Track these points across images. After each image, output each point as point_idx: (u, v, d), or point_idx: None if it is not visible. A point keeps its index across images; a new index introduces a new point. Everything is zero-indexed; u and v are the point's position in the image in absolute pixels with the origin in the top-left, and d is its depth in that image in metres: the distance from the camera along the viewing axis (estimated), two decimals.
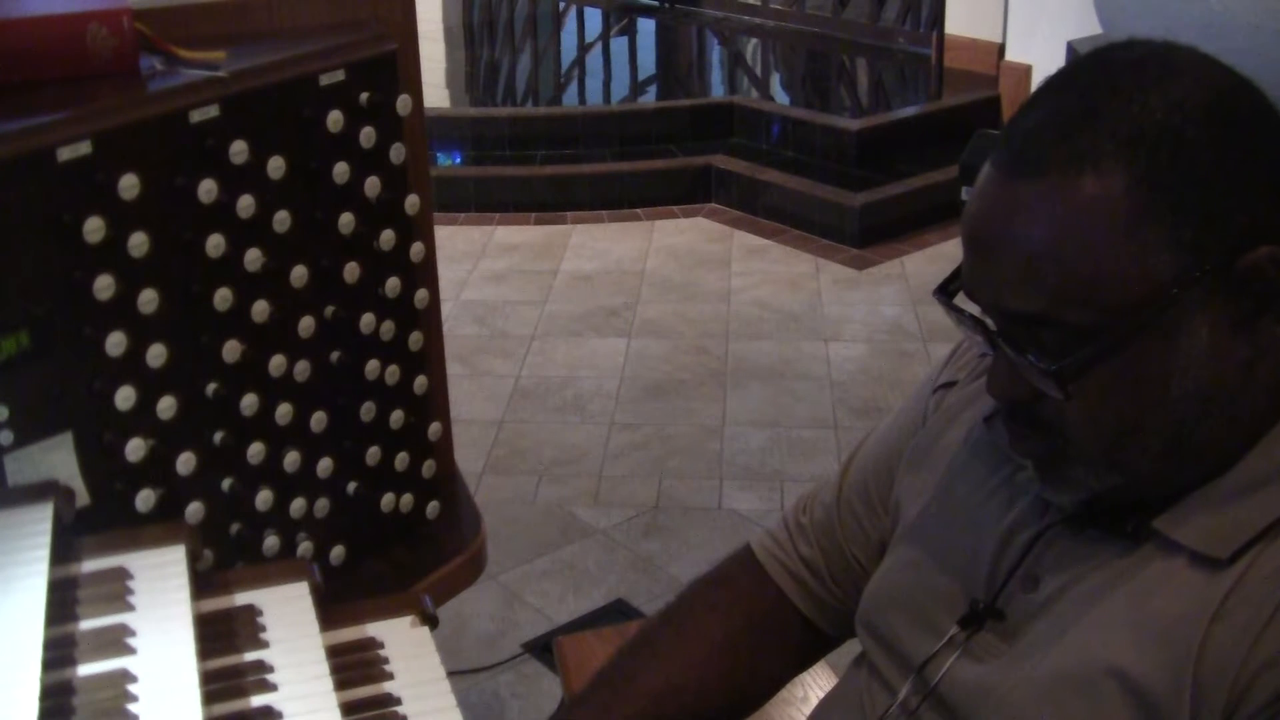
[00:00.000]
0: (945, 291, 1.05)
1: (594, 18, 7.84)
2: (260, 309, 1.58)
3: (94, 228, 1.39)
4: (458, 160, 5.70)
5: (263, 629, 1.30)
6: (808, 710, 1.60)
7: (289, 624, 1.31)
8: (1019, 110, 1.00)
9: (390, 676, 1.32)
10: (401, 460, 1.82)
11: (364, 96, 1.65)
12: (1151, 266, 0.92)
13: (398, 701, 1.28)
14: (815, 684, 1.68)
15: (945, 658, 1.10)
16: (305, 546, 1.70)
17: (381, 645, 1.37)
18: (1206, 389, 0.96)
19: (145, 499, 1.49)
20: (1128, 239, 0.92)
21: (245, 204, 1.53)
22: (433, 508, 1.89)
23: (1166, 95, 0.93)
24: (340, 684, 1.24)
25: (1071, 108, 0.95)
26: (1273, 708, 0.91)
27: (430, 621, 1.41)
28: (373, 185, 1.68)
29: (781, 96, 6.38)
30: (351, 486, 1.75)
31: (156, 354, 1.47)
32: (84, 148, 1.38)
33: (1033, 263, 0.94)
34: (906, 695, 1.13)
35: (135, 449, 1.47)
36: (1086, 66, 0.99)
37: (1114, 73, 0.97)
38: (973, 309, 1.02)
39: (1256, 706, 0.91)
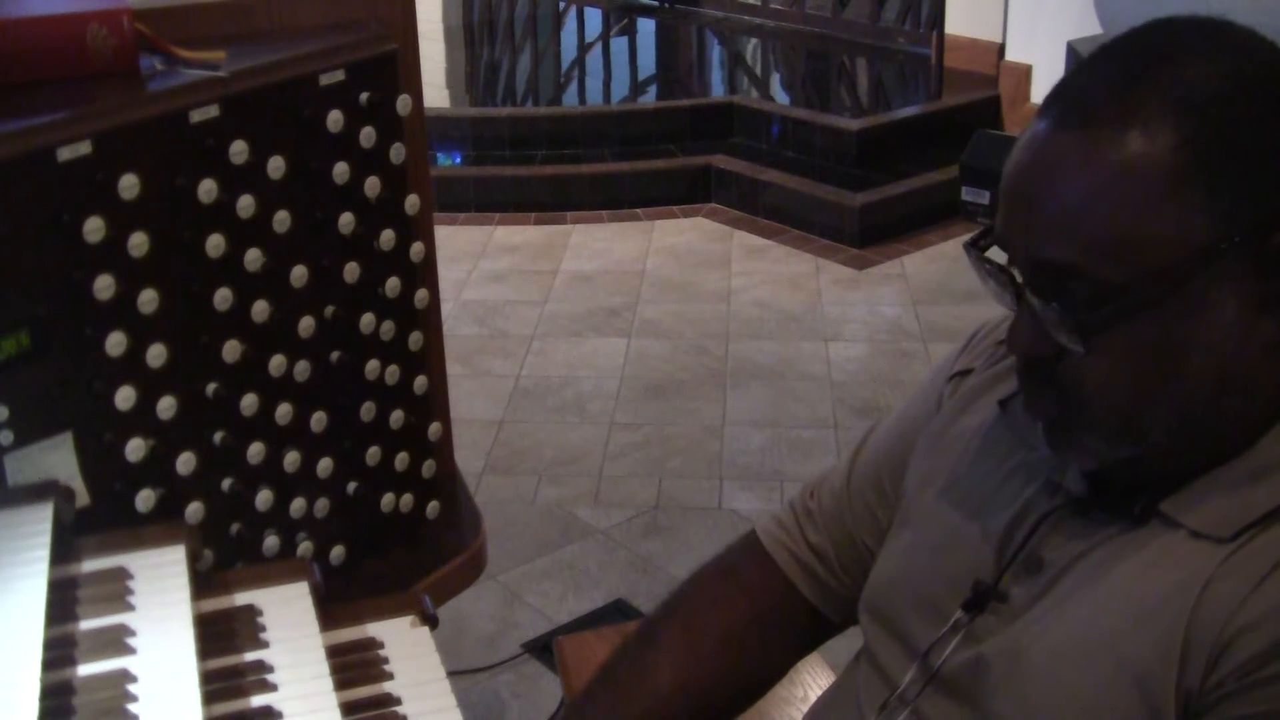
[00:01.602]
0: (975, 245, 1.05)
1: (594, 18, 7.84)
2: (260, 309, 1.58)
3: (94, 228, 1.39)
4: (458, 160, 5.70)
5: (263, 629, 1.30)
6: (807, 709, 1.60)
7: (289, 624, 1.31)
8: (1071, 70, 1.01)
9: (390, 676, 1.32)
10: (401, 460, 1.82)
11: (364, 96, 1.65)
12: (1187, 230, 0.93)
13: (398, 701, 1.28)
14: (815, 683, 1.68)
15: (949, 642, 1.10)
16: (305, 546, 1.70)
17: (381, 645, 1.37)
18: (1227, 365, 0.96)
19: (145, 499, 1.49)
20: (1167, 199, 0.93)
21: (245, 204, 1.53)
22: (433, 508, 1.89)
23: (1221, 64, 0.94)
24: (340, 684, 1.24)
25: (1126, 68, 0.96)
26: (1244, 668, 0.91)
27: (430, 621, 1.41)
28: (373, 185, 1.68)
29: (781, 96, 6.38)
30: (351, 486, 1.75)
31: (156, 354, 1.48)
32: (84, 148, 1.38)
33: (1070, 212, 0.95)
34: (907, 684, 1.13)
35: (135, 449, 1.47)
36: (1145, 31, 1.00)
37: (1172, 39, 0.98)
38: (1001, 262, 1.03)
39: (1231, 667, 0.92)
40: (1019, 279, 1.01)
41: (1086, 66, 1.00)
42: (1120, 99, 0.94)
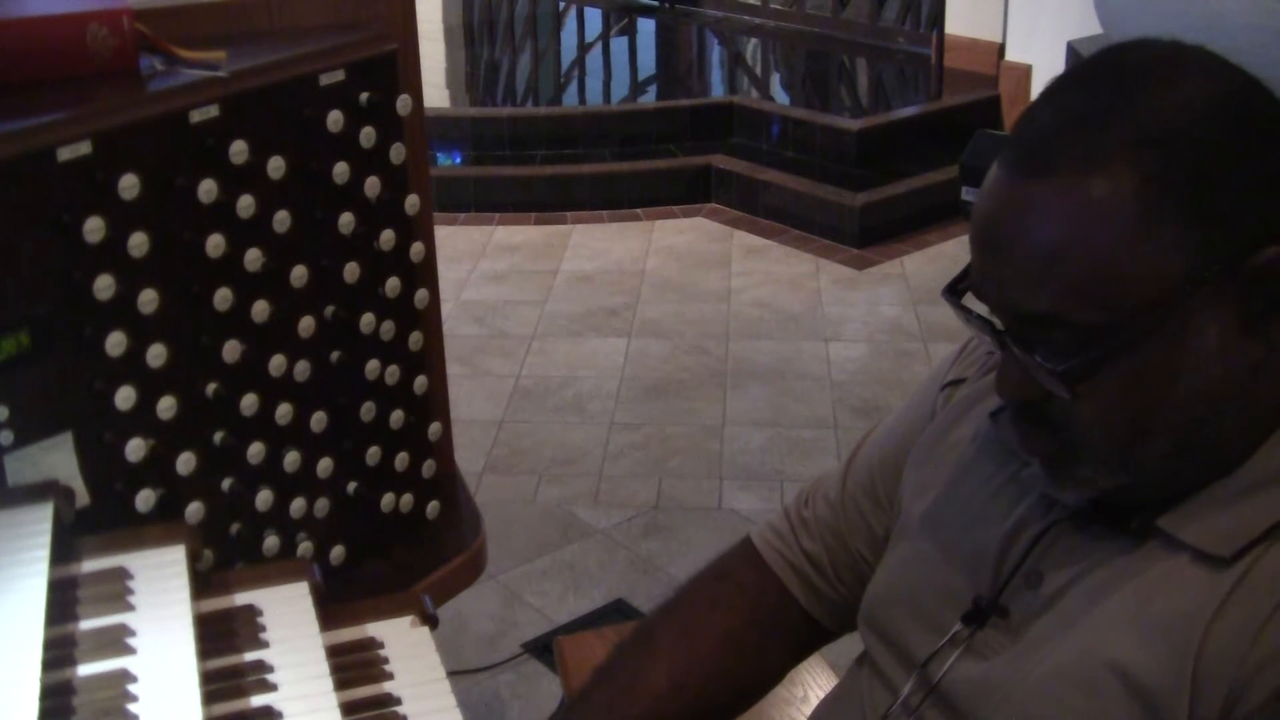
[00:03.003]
0: (954, 291, 1.05)
1: (594, 18, 7.84)
2: (260, 309, 1.58)
3: (94, 228, 1.39)
4: (458, 160, 5.70)
5: (263, 629, 1.30)
6: (808, 710, 1.60)
7: (289, 624, 1.31)
8: (1028, 110, 1.00)
9: (390, 676, 1.32)
10: (401, 460, 1.82)
11: (364, 96, 1.65)
12: (1161, 267, 0.92)
13: (398, 701, 1.28)
14: (815, 684, 1.68)
15: (948, 655, 1.10)
16: (305, 546, 1.70)
17: (381, 645, 1.37)
18: (1216, 388, 0.96)
19: (145, 499, 1.49)
20: (1138, 239, 0.92)
21: (245, 204, 1.53)
22: (433, 508, 1.89)
23: (1175, 96, 0.94)
24: (340, 684, 1.24)
25: (1081, 108, 0.96)
26: (1271, 706, 0.91)
27: (430, 621, 1.41)
28: (373, 185, 1.68)
29: (781, 96, 6.38)
30: (351, 486, 1.75)
31: (156, 354, 1.47)
32: (84, 148, 1.38)
33: (1043, 263, 0.94)
34: (908, 693, 1.13)
35: (135, 449, 1.47)
36: (1094, 67, 0.99)
37: (1123, 73, 0.97)
38: (981, 309, 1.02)
39: (1254, 705, 0.91)
40: (999, 326, 1.00)
41: (1041, 105, 0.99)
42: (1079, 142, 0.94)
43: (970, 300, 1.04)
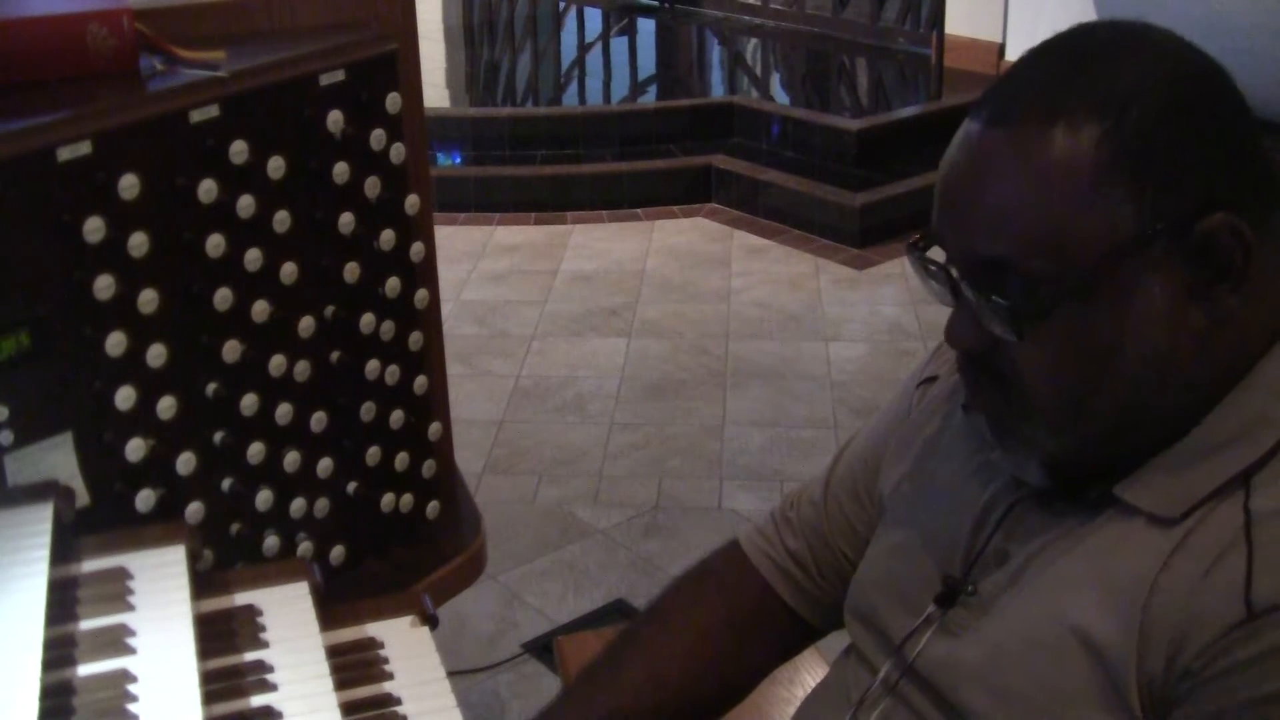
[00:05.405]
0: (916, 247, 1.10)
1: (594, 18, 7.85)
2: (260, 309, 1.58)
3: (94, 228, 1.39)
4: (458, 160, 5.70)
5: (263, 629, 1.30)
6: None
7: (289, 624, 1.31)
8: (1004, 73, 1.05)
9: (390, 676, 1.32)
10: (401, 460, 1.82)
11: (364, 96, 1.65)
12: (1112, 222, 0.96)
13: (398, 701, 1.28)
14: (815, 683, 1.68)
15: (922, 635, 1.13)
16: (305, 546, 1.70)
17: (381, 645, 1.37)
18: (1161, 353, 0.99)
19: (145, 499, 1.49)
20: (1093, 192, 0.96)
21: (245, 204, 1.53)
22: (433, 508, 1.89)
23: (1136, 65, 0.99)
24: (340, 684, 1.24)
25: (1052, 70, 1.01)
26: (1206, 653, 0.92)
27: (430, 621, 1.41)
28: (373, 185, 1.68)
29: (781, 96, 6.38)
30: (351, 486, 1.75)
31: (156, 354, 1.48)
32: (84, 148, 1.38)
33: (1002, 209, 0.98)
34: (886, 673, 1.16)
35: (135, 449, 1.47)
36: (1065, 38, 1.05)
37: (1091, 44, 1.02)
38: (939, 262, 1.06)
39: (1192, 654, 0.93)
40: (955, 275, 1.04)
41: (1016, 70, 1.04)
42: (1046, 99, 0.98)
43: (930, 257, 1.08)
